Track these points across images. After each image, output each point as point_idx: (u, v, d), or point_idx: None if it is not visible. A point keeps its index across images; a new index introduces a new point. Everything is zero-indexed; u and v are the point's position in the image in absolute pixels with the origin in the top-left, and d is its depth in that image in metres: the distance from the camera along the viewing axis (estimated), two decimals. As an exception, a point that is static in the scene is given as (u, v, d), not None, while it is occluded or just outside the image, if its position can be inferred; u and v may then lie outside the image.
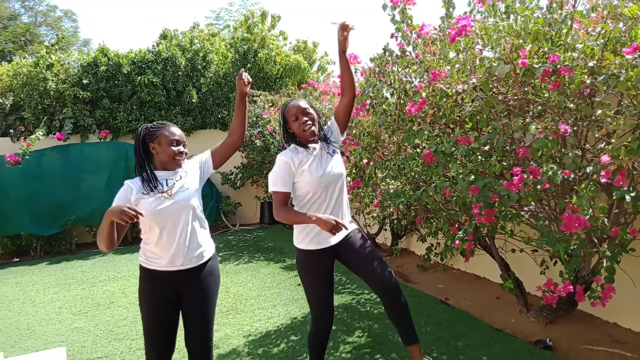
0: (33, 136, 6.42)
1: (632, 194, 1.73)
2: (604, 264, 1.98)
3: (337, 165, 2.17)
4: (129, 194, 1.91)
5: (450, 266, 4.60)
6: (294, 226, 2.17)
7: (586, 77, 1.96)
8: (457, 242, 2.49)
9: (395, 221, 3.98)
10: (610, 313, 3.04)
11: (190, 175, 2.05)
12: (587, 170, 1.88)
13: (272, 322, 3.46)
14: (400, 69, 2.96)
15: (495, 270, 3.56)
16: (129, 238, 6.43)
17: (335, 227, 1.86)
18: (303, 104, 2.14)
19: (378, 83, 3.01)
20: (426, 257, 3.69)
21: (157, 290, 1.96)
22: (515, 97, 2.29)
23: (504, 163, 2.31)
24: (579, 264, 2.51)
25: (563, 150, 2.16)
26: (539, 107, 2.20)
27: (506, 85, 2.39)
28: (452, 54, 2.59)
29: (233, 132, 2.18)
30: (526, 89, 2.25)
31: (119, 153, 6.78)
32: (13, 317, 3.90)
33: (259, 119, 6.93)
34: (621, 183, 1.73)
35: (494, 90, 2.39)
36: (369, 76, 3.21)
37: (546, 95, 2.17)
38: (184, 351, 2.08)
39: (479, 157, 2.29)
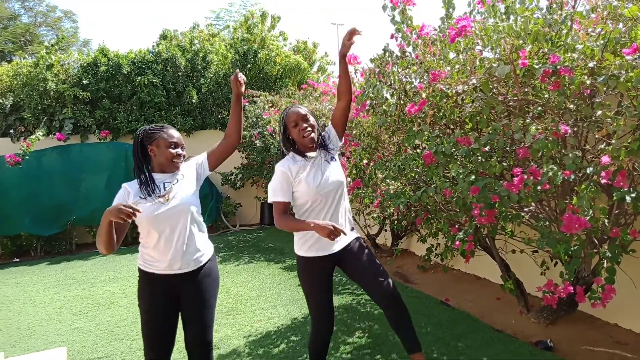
0: (33, 136, 6.42)
1: (633, 195, 1.73)
2: (605, 265, 1.98)
3: (335, 173, 2.16)
4: (127, 197, 1.91)
5: (451, 267, 4.60)
6: (294, 233, 2.17)
7: (586, 77, 1.96)
8: (457, 242, 2.49)
9: (396, 222, 3.98)
10: (610, 314, 3.04)
11: (187, 178, 2.04)
12: (588, 171, 1.88)
13: (273, 322, 3.46)
14: (400, 70, 2.96)
15: (495, 271, 3.56)
16: (129, 238, 6.42)
17: (332, 233, 1.86)
18: (303, 110, 2.14)
19: (378, 84, 3.01)
20: (426, 257, 3.69)
21: (155, 293, 1.96)
22: (516, 98, 2.29)
23: (504, 164, 2.31)
24: (580, 265, 2.51)
25: (563, 151, 2.16)
26: (539, 108, 2.20)
27: (506, 86, 2.39)
28: (452, 55, 2.59)
29: (230, 135, 2.16)
30: (526, 90, 2.25)
31: (118, 153, 6.79)
32: (13, 317, 3.90)
33: (259, 119, 6.94)
34: (621, 184, 1.73)
35: (494, 91, 2.39)
36: (369, 77, 3.21)
37: (546, 96, 2.17)
38: (185, 352, 2.08)
39: (479, 157, 2.29)
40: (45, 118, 6.92)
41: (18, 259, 6.26)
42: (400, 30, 2.89)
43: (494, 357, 2.70)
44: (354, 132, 3.74)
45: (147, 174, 1.95)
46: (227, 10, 19.79)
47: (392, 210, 3.63)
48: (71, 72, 7.12)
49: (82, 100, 7.12)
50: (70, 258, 6.13)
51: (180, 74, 7.71)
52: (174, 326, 2.02)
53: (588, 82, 1.95)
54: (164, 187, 1.95)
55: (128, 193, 1.92)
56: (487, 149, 2.25)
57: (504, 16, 2.55)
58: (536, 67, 2.01)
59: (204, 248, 2.04)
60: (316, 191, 2.07)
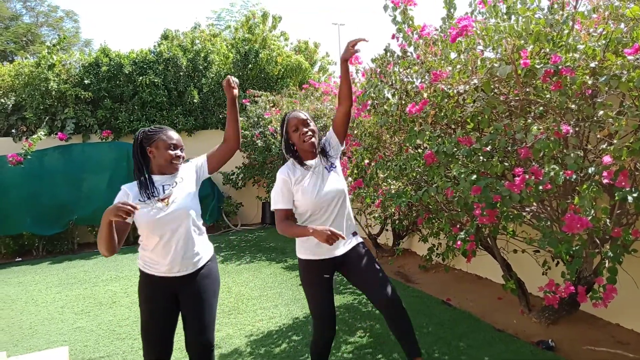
0: (35, 136, 6.44)
1: (635, 195, 1.73)
2: (606, 265, 1.98)
3: (335, 181, 2.16)
4: (126, 199, 1.91)
5: (452, 267, 4.60)
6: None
7: (588, 77, 1.96)
8: (458, 242, 2.49)
9: (397, 221, 3.98)
10: (612, 314, 3.03)
11: (186, 181, 2.04)
12: (589, 171, 1.88)
13: (274, 322, 3.46)
14: (401, 70, 2.96)
15: (497, 271, 3.56)
16: (131, 238, 6.43)
17: (330, 238, 1.87)
18: (303, 115, 2.15)
19: (379, 84, 3.01)
20: (428, 257, 3.69)
21: (155, 295, 1.97)
22: (517, 98, 2.29)
23: (506, 164, 2.31)
24: (581, 265, 2.50)
25: (565, 151, 2.16)
26: (541, 108, 2.20)
27: (508, 86, 2.39)
28: (453, 55, 2.59)
29: (229, 139, 2.14)
30: (528, 90, 2.25)
31: (120, 153, 6.80)
32: (16, 317, 3.91)
33: (260, 119, 6.94)
34: (623, 184, 1.73)
35: (496, 91, 2.39)
36: (370, 77, 3.21)
37: (548, 96, 2.17)
38: (186, 351, 2.08)
39: (481, 157, 2.29)
40: (47, 118, 6.94)
41: (20, 259, 6.28)
42: (401, 30, 2.90)
43: (496, 357, 2.70)
44: (355, 132, 3.75)
45: (146, 175, 1.95)
46: (228, 10, 19.78)
47: (393, 210, 3.64)
48: (73, 72, 7.13)
49: (84, 100, 7.14)
50: (72, 257, 6.15)
51: (181, 74, 7.72)
52: (173, 327, 2.02)
53: (590, 82, 1.95)
54: (163, 190, 1.95)
55: (127, 195, 1.92)
56: (488, 148, 2.25)
57: (505, 16, 2.55)
58: (538, 67, 2.01)
59: (203, 251, 2.04)
60: (315, 201, 2.08)
